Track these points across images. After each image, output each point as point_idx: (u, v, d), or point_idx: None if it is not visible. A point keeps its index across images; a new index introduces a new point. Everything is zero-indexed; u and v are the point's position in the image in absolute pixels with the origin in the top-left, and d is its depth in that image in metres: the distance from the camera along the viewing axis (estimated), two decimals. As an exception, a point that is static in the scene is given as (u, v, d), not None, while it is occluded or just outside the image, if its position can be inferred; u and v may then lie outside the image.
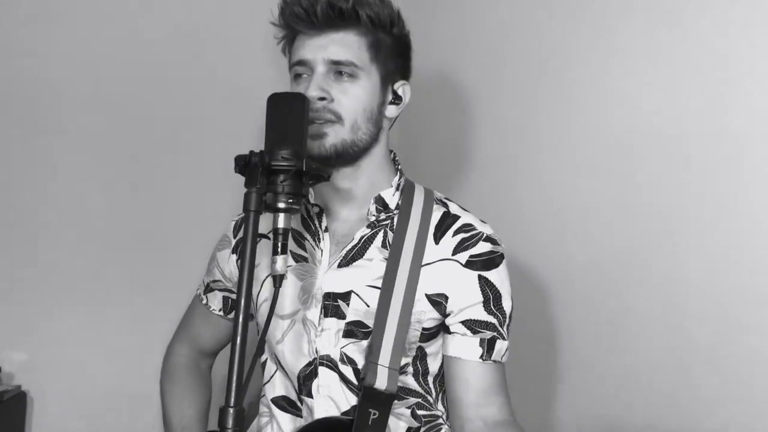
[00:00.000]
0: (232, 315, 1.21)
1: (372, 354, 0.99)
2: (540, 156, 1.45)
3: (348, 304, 1.04)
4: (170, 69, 1.81)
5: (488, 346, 1.03)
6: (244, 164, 0.81)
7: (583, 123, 1.35)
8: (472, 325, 1.03)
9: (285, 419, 1.10)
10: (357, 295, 1.04)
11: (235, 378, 0.74)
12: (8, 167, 1.68)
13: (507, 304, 1.06)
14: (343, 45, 1.01)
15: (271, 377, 1.13)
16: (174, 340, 1.27)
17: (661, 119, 1.18)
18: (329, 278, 1.06)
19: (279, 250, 0.85)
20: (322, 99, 0.99)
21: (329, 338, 1.05)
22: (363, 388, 0.99)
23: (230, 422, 0.73)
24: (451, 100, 1.73)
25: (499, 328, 1.04)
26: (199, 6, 1.85)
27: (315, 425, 1.04)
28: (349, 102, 1.01)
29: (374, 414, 0.98)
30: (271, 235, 1.12)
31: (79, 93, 1.74)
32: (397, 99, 1.09)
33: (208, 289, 1.23)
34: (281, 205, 0.85)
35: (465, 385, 1.03)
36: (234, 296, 1.19)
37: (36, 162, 1.70)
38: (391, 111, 1.09)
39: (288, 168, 0.83)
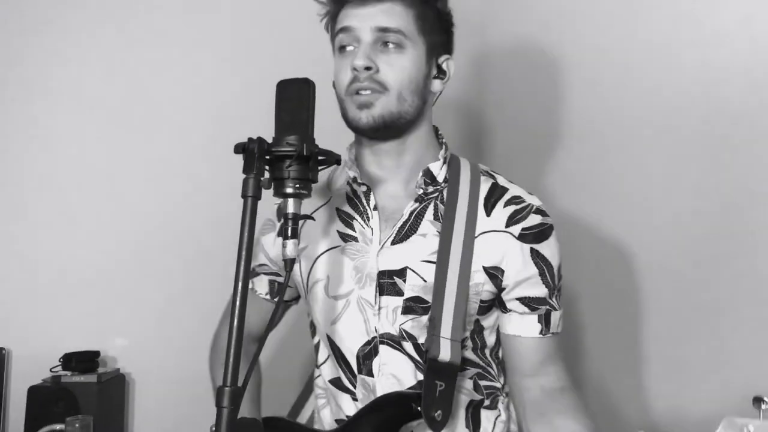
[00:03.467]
0: (285, 298, 1.24)
1: (434, 327, 1.00)
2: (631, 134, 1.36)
3: (405, 281, 1.05)
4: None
5: (545, 321, 1.05)
6: (242, 150, 0.83)
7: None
8: (529, 302, 1.05)
9: (344, 399, 1.11)
10: (413, 270, 1.05)
11: (232, 358, 0.76)
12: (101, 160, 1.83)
13: (558, 275, 1.07)
14: (391, 14, 1.02)
15: (326, 359, 1.15)
16: (220, 324, 1.30)
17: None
18: (384, 256, 1.07)
19: (289, 234, 0.87)
20: (368, 69, 1.00)
21: (387, 316, 1.06)
22: (428, 360, 1.00)
23: (226, 401, 0.75)
24: (539, 74, 1.67)
25: (550, 300, 1.05)
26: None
27: (381, 401, 1.05)
28: (395, 73, 1.01)
29: (441, 386, 0.99)
30: (315, 216, 1.15)
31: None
32: (441, 74, 1.09)
33: (253, 273, 1.26)
34: (289, 190, 0.87)
35: (523, 358, 1.06)
36: (281, 279, 1.21)
37: (122, 154, 1.84)
38: (436, 85, 1.09)
39: (290, 153, 0.84)
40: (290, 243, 0.87)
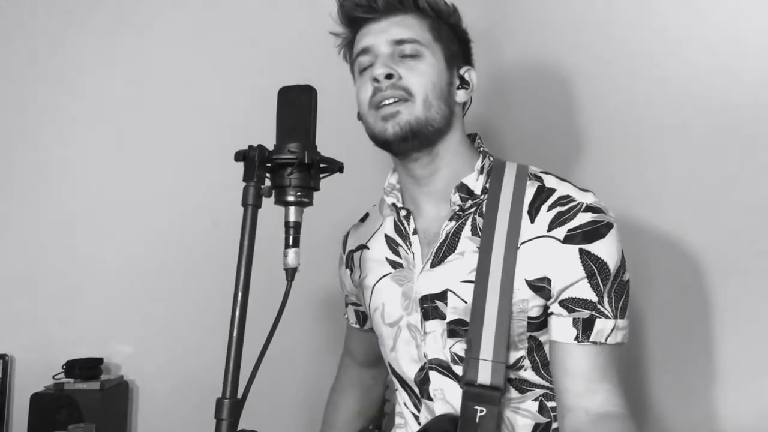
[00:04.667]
0: (366, 327, 1.24)
1: (471, 349, 0.93)
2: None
3: (446, 304, 1.00)
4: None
5: (584, 326, 0.92)
6: (242, 158, 0.82)
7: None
8: (569, 304, 0.93)
9: (414, 424, 1.09)
10: (453, 292, 1.00)
11: (231, 370, 0.75)
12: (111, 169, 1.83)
13: (617, 280, 0.94)
14: (405, 26, 1.02)
15: (396, 386, 1.14)
16: (342, 352, 1.35)
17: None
18: (423, 280, 1.03)
19: (290, 243, 0.86)
20: (389, 77, 0.98)
21: (435, 341, 1.01)
22: (465, 384, 0.93)
23: (225, 413, 0.74)
24: (554, 89, 1.65)
25: (600, 306, 0.92)
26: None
27: (429, 425, 1.01)
28: (416, 77, 0.99)
29: (481, 411, 0.92)
30: (370, 245, 1.15)
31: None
32: (464, 84, 1.06)
33: (346, 304, 1.29)
34: (290, 198, 0.85)
35: (563, 371, 0.93)
36: (361, 308, 1.23)
37: (127, 160, 1.83)
38: (460, 96, 1.06)
39: (290, 161, 0.83)
40: (291, 252, 0.86)
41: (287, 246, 0.86)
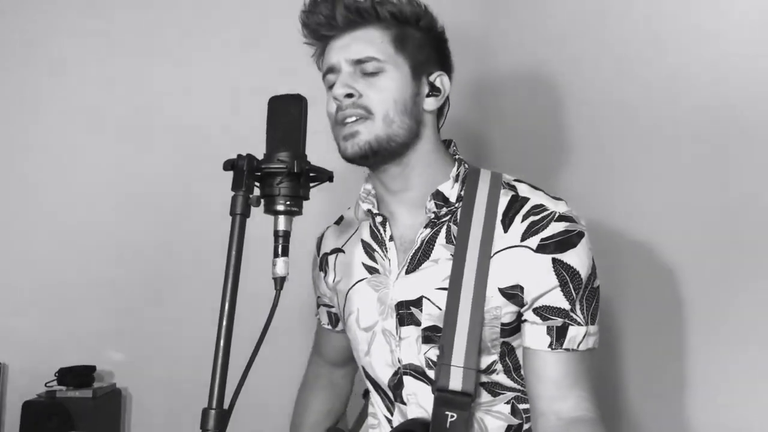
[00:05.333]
0: (338, 327, 1.23)
1: (443, 355, 0.95)
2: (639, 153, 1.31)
3: (421, 310, 1.01)
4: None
5: (558, 333, 0.93)
6: (231, 167, 0.82)
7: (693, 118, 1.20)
8: (543, 312, 0.94)
9: (388, 426, 1.09)
10: (428, 299, 1.00)
11: (218, 380, 0.75)
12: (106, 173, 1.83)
13: (588, 288, 0.95)
14: (365, 41, 0.99)
15: (371, 389, 1.14)
16: (311, 351, 1.34)
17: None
18: (399, 286, 1.03)
19: (279, 252, 0.86)
20: (349, 96, 0.98)
21: (410, 346, 1.02)
22: (437, 390, 0.95)
23: (211, 423, 0.74)
24: (543, 96, 1.65)
25: (572, 314, 0.94)
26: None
27: (400, 428, 1.02)
28: (376, 94, 0.98)
29: (452, 416, 0.93)
30: (345, 249, 1.16)
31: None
32: (435, 91, 1.04)
33: (317, 305, 1.29)
34: (280, 207, 0.85)
35: (537, 377, 0.95)
36: (333, 310, 1.23)
37: (123, 165, 1.83)
38: (429, 103, 1.04)
39: (280, 170, 0.83)
40: (280, 261, 0.85)
41: (276, 255, 0.86)
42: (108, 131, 1.82)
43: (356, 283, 1.10)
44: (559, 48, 1.58)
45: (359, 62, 0.99)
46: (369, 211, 1.08)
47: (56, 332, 1.76)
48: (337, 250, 1.17)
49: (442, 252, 1.01)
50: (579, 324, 0.94)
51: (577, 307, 0.94)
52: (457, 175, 1.04)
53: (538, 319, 0.95)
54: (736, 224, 1.11)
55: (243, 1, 1.88)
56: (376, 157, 0.99)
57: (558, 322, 0.94)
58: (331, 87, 1.02)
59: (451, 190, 1.03)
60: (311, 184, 0.89)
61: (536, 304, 0.95)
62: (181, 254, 1.80)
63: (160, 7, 1.86)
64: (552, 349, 0.93)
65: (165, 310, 1.81)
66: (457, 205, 1.03)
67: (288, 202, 0.85)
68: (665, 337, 1.26)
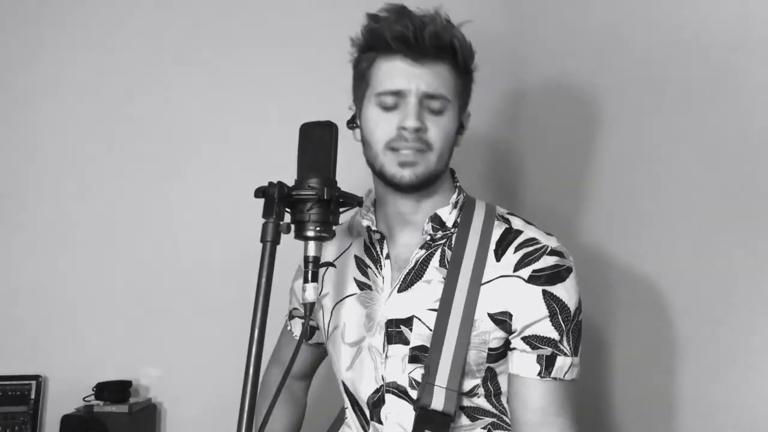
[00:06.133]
0: (312, 341, 1.27)
1: (429, 375, 0.98)
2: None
3: (411, 330, 1.03)
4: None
5: (547, 362, 0.98)
6: (262, 195, 0.83)
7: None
8: (532, 341, 0.99)
9: None
10: (419, 319, 1.03)
11: (247, 407, 0.75)
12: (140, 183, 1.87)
13: (574, 321, 1.00)
14: (439, 78, 1.01)
15: (348, 405, 1.15)
16: (269, 362, 1.34)
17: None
18: (391, 304, 1.06)
19: (309, 278, 0.87)
20: (418, 130, 0.99)
21: (396, 365, 1.04)
22: (418, 408, 0.98)
23: (240, 451, 0.74)
24: (568, 112, 1.64)
25: (560, 344, 0.99)
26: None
27: None
28: (439, 132, 1.01)
29: None
30: (337, 263, 1.17)
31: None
32: (461, 128, 1.10)
33: (290, 316, 1.30)
34: (310, 233, 0.86)
35: (523, 404, 0.99)
36: (312, 323, 1.23)
37: (161, 182, 1.87)
38: (458, 141, 1.10)
39: (309, 197, 0.84)
40: (310, 287, 0.87)
41: (306, 280, 0.87)
42: (144, 153, 1.86)
43: (345, 297, 1.12)
44: (589, 60, 1.56)
45: (430, 97, 1.00)
46: (368, 227, 1.10)
47: (95, 347, 1.79)
48: (328, 264, 1.19)
49: (435, 274, 1.04)
50: (566, 355, 0.99)
51: (565, 338, 0.99)
52: (456, 202, 1.09)
53: (527, 348, 0.99)
54: (724, 252, 1.12)
55: (274, 33, 1.91)
56: (422, 186, 1.04)
57: (547, 351, 0.98)
58: (386, 108, 1.01)
59: (449, 215, 1.07)
60: (341, 210, 0.89)
61: (525, 333, 0.99)
62: (217, 274, 1.82)
63: (202, 36, 1.90)
64: (541, 377, 0.98)
65: (201, 328, 1.83)
66: (452, 230, 1.07)
67: (318, 228, 0.86)
68: (653, 364, 1.29)
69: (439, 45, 0.99)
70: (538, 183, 1.82)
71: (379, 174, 1.04)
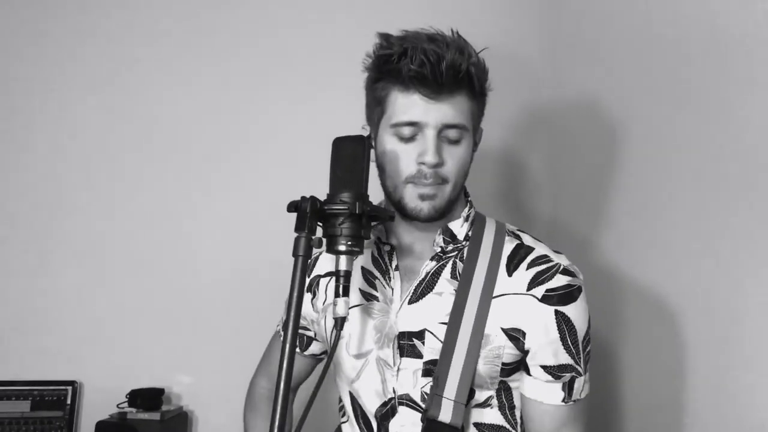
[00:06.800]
0: (307, 351, 1.26)
1: (437, 386, 0.98)
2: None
3: (423, 343, 1.03)
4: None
5: (569, 388, 1.01)
6: (294, 209, 0.83)
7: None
8: (554, 371, 1.00)
9: None
10: (431, 333, 1.03)
11: (277, 422, 0.75)
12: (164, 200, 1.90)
13: (585, 340, 1.02)
14: (457, 108, 0.99)
15: (347, 418, 1.14)
16: (256, 373, 1.33)
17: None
18: (402, 317, 1.05)
19: (340, 292, 0.87)
20: (436, 165, 0.99)
21: (408, 378, 1.04)
22: (426, 420, 0.98)
23: (270, 466, 0.74)
24: (595, 128, 1.62)
25: (576, 366, 1.01)
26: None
27: None
28: (455, 164, 1.02)
29: None
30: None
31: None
32: (475, 146, 1.09)
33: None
34: (341, 247, 0.86)
35: (539, 423, 1.02)
36: (309, 333, 1.24)
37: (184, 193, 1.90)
38: (471, 158, 1.08)
39: (341, 211, 0.84)
40: (341, 301, 0.87)
41: (337, 294, 0.87)
42: (180, 165, 1.89)
43: (351, 308, 1.10)
44: (616, 80, 1.54)
45: (450, 126, 0.99)
46: (378, 239, 1.10)
47: (129, 354, 1.82)
48: (330, 274, 1.18)
49: (446, 286, 1.04)
50: (580, 375, 1.02)
51: (580, 358, 1.01)
52: (468, 216, 1.09)
53: (550, 377, 1.00)
54: (737, 271, 1.10)
55: (308, 45, 1.93)
56: (441, 218, 1.04)
57: (568, 377, 1.00)
58: (403, 138, 1.00)
59: (460, 229, 1.08)
60: (372, 224, 0.90)
61: (543, 361, 1.00)
62: (249, 285, 1.84)
63: (230, 56, 1.93)
64: (565, 403, 1.00)
65: (232, 337, 1.84)
66: (464, 243, 1.07)
67: (349, 242, 0.86)
68: (665, 380, 1.28)
69: (456, 76, 0.97)
70: (554, 199, 1.81)
71: (397, 205, 1.03)
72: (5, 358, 1.78)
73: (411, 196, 1.01)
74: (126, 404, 1.71)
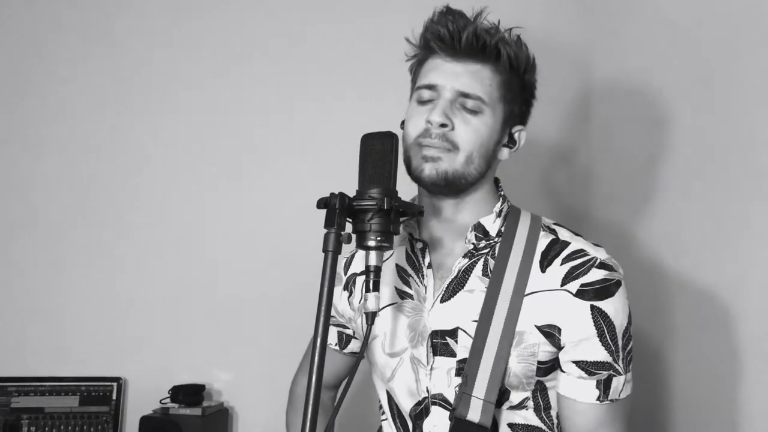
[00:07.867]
0: (346, 350, 1.25)
1: (466, 384, 0.97)
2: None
3: (456, 342, 1.01)
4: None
5: (605, 386, 0.96)
6: (324, 206, 0.84)
7: None
8: (587, 367, 0.96)
9: None
10: (464, 331, 1.01)
11: (309, 417, 0.76)
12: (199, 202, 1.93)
13: (624, 337, 0.97)
14: (476, 78, 0.99)
15: (386, 417, 1.14)
16: (298, 371, 1.33)
17: None
18: (435, 315, 1.04)
19: (371, 287, 0.87)
20: (443, 126, 0.98)
21: (441, 377, 1.02)
22: (454, 419, 0.96)
23: (303, 459, 0.75)
24: (645, 115, 1.59)
25: (615, 364, 0.96)
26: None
27: None
28: (468, 133, 0.99)
29: None
30: None
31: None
32: (511, 143, 1.07)
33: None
34: (371, 243, 0.87)
35: (574, 423, 0.99)
36: (348, 331, 1.23)
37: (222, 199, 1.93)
38: (503, 154, 1.07)
39: (370, 207, 0.85)
40: (372, 296, 0.87)
41: (367, 289, 0.88)
42: (223, 163, 1.93)
43: (385, 307, 1.10)
44: (661, 66, 1.50)
45: (464, 95, 0.99)
46: (410, 235, 1.09)
47: (171, 350, 1.86)
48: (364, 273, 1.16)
49: (477, 284, 1.02)
50: (619, 374, 0.97)
51: (617, 357, 0.96)
52: (500, 211, 1.06)
53: (583, 374, 0.96)
54: None
55: (338, 43, 1.94)
56: (445, 188, 1.01)
57: (604, 375, 0.96)
58: (421, 102, 1.02)
59: (493, 224, 1.05)
60: (401, 219, 0.90)
61: (577, 356, 0.96)
62: (286, 281, 1.86)
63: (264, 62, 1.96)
64: (600, 402, 0.96)
65: (271, 334, 1.87)
66: (496, 239, 1.04)
67: (379, 238, 0.86)
68: (717, 381, 1.24)
69: (480, 46, 0.98)
70: (607, 194, 1.77)
71: (407, 169, 1.03)
72: (57, 356, 1.84)
73: (416, 156, 1.01)
74: (168, 400, 1.75)
